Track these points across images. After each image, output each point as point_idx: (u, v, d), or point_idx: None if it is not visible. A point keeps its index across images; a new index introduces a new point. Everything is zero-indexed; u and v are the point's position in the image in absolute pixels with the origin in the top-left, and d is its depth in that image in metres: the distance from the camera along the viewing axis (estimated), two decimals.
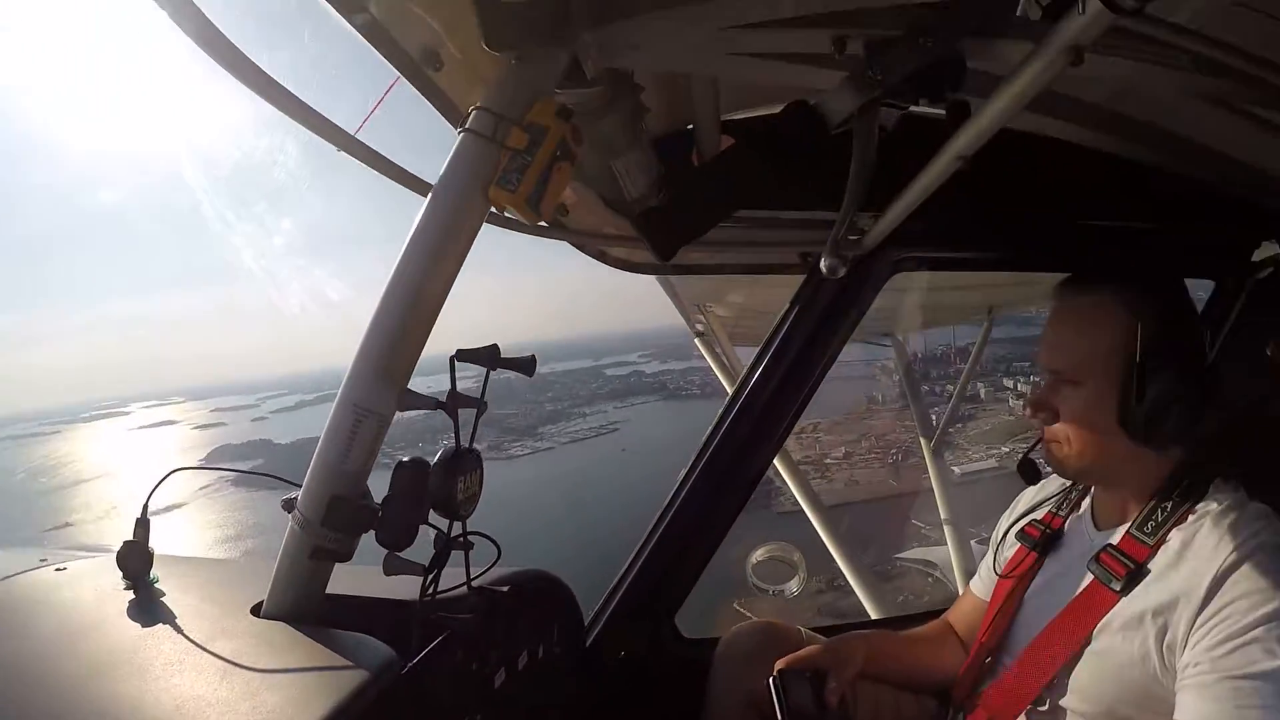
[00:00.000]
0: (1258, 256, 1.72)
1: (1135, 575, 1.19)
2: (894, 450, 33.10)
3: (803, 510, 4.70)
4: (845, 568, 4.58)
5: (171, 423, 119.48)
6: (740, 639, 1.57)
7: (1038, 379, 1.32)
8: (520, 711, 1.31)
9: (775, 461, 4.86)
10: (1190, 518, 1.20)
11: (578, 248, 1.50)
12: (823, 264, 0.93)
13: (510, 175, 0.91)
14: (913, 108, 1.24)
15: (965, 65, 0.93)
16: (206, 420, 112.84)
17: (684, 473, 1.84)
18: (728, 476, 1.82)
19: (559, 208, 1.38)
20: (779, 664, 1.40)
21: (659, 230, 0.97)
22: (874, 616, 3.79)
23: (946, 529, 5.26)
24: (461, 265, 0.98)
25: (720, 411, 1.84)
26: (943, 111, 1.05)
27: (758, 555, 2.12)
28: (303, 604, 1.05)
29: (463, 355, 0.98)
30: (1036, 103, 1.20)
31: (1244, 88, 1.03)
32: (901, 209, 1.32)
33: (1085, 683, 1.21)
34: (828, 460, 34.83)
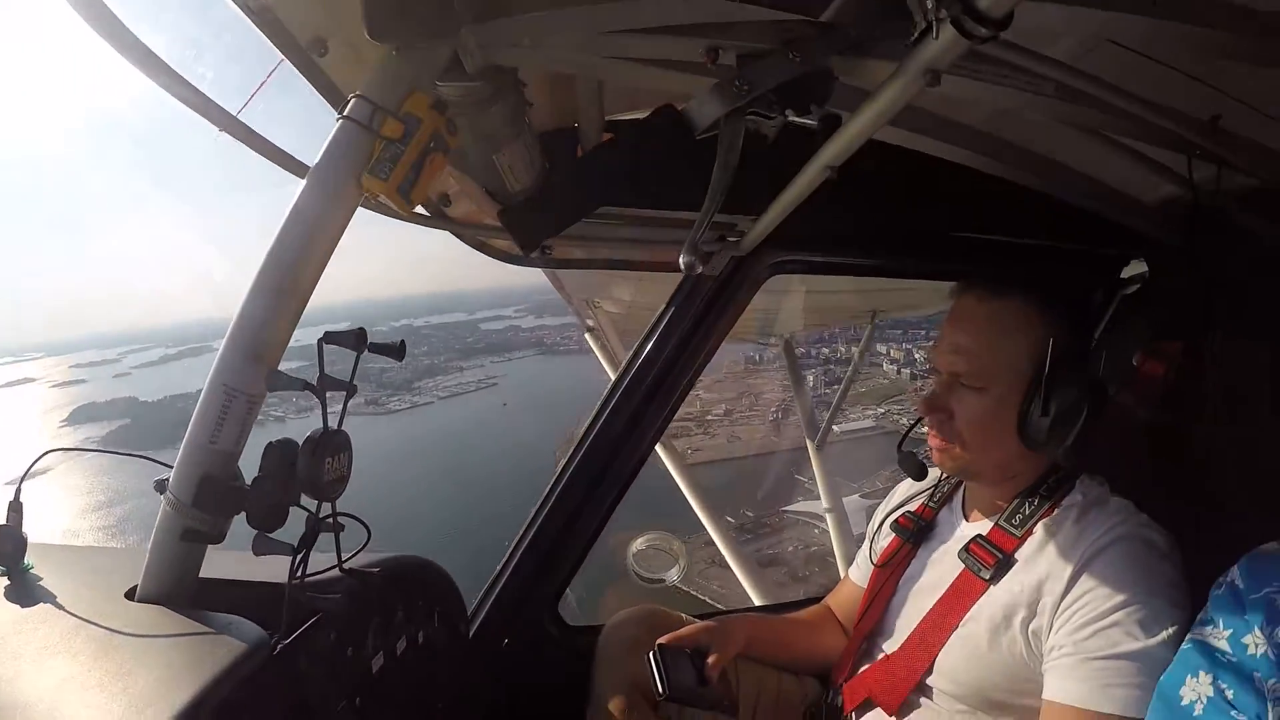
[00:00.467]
0: (1126, 274, 1.83)
1: (1003, 565, 1.26)
2: (774, 408, 33.78)
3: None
4: (729, 558, 4.72)
5: (30, 380, 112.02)
6: (623, 625, 1.60)
7: (925, 371, 1.37)
8: (400, 698, 1.31)
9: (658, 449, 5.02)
10: (1056, 511, 1.27)
11: (458, 237, 1.51)
12: (680, 260, 0.97)
13: (383, 164, 0.93)
14: (795, 119, 1.31)
15: (832, 81, 0.96)
16: (66, 377, 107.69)
17: (563, 464, 1.88)
18: (606, 468, 1.86)
19: (442, 197, 1.39)
20: (659, 641, 1.43)
21: (520, 223, 0.99)
22: (757, 604, 3.91)
23: (829, 518, 5.41)
24: (334, 249, 0.98)
25: (599, 403, 1.88)
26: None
27: (638, 545, 2.14)
28: (176, 586, 1.05)
29: (330, 338, 0.99)
30: (917, 122, 1.28)
31: (1104, 115, 1.10)
32: (776, 214, 1.37)
33: (957, 667, 1.27)
34: (709, 417, 35.49)
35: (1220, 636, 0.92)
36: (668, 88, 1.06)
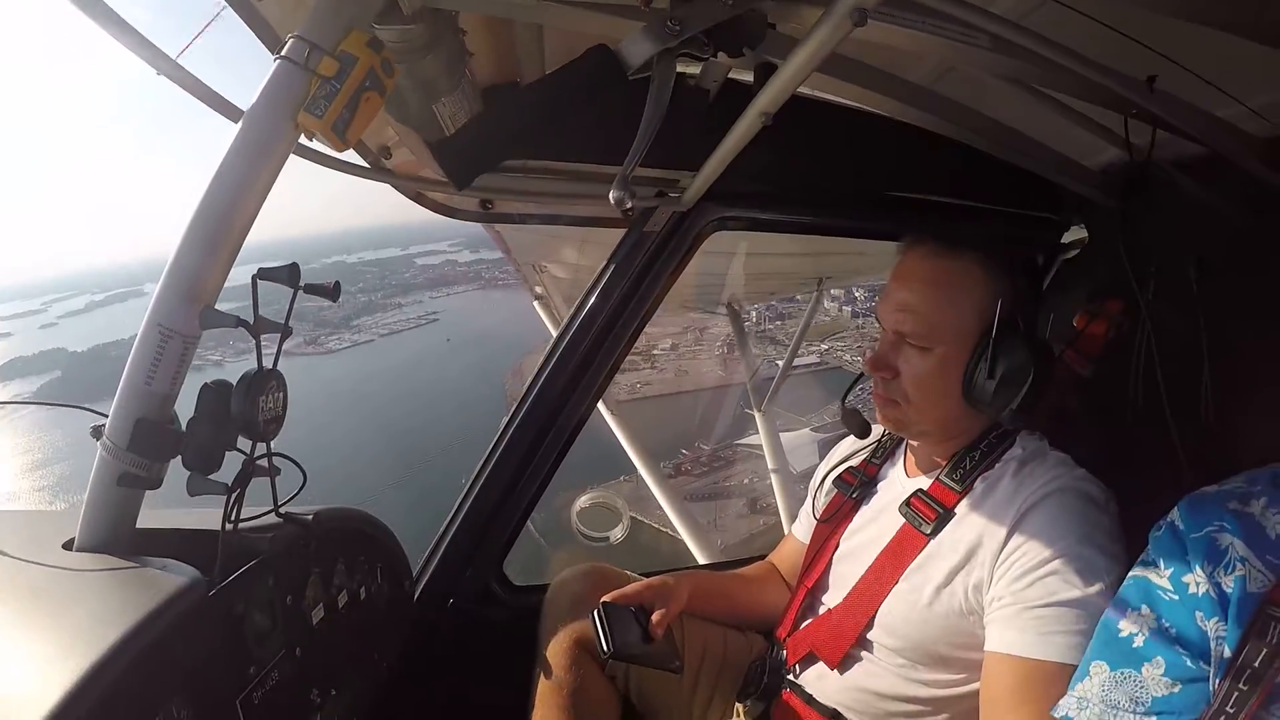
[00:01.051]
0: (1068, 238, 1.88)
1: (944, 519, 1.28)
2: (719, 343, 34.09)
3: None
4: (673, 516, 4.74)
5: None
6: (568, 583, 1.60)
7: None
8: (342, 653, 1.32)
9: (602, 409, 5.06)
10: (995, 466, 1.29)
11: (397, 189, 1.51)
12: (610, 195, 0.97)
13: (318, 102, 0.92)
14: (733, 75, 1.32)
15: (764, 24, 0.97)
16: None
17: (505, 421, 1.89)
18: (548, 425, 1.87)
19: (382, 149, 1.39)
20: (604, 599, 1.43)
21: (454, 157, 0.98)
22: (701, 563, 3.92)
23: (774, 479, 5.50)
24: (270, 190, 0.98)
25: (542, 360, 1.89)
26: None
27: (581, 503, 2.16)
28: (113, 534, 1.04)
29: (264, 274, 0.98)
30: (861, 77, 1.29)
31: (1043, 71, 1.11)
32: (715, 166, 1.38)
33: (897, 621, 1.29)
34: (655, 352, 35.79)
35: (1161, 575, 0.92)
36: (603, 34, 1.06)
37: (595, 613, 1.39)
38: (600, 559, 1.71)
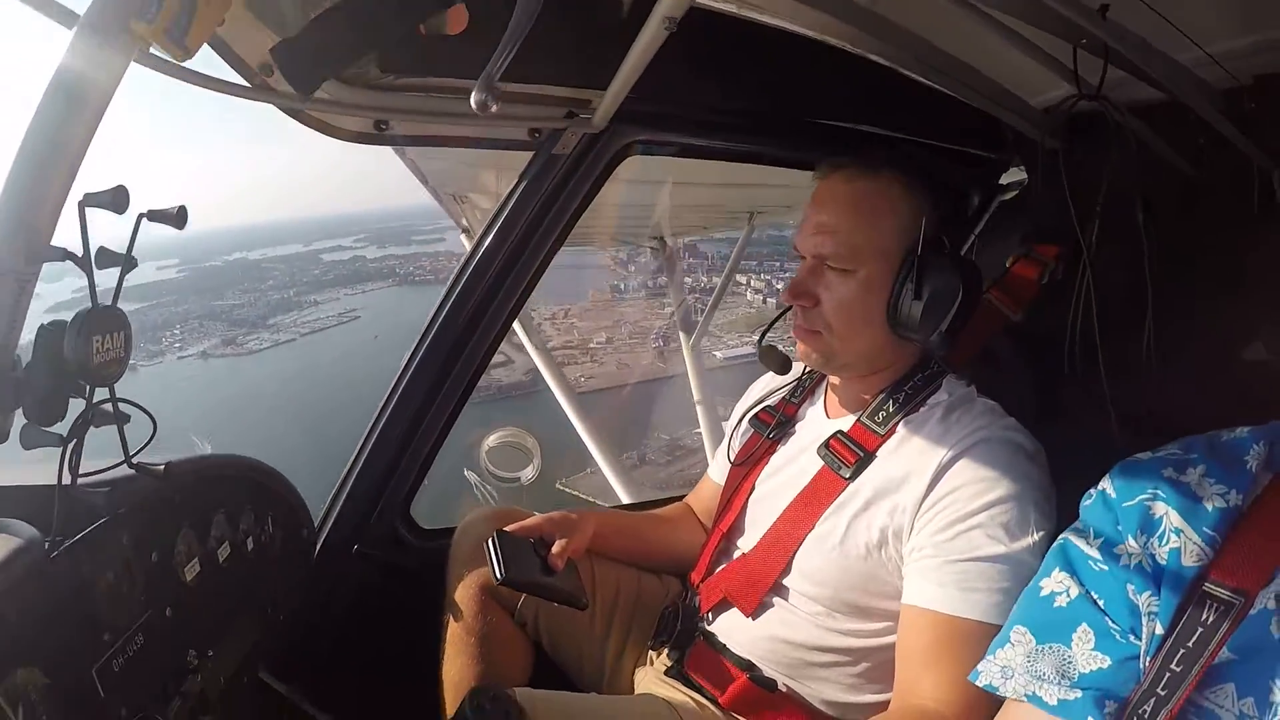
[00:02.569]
0: (1005, 179, 1.82)
1: (864, 462, 1.24)
2: (654, 335, 34.34)
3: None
4: (595, 451, 4.78)
5: None
6: (475, 524, 1.55)
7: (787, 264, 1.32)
8: (226, 608, 1.26)
9: (531, 352, 4.98)
10: (921, 409, 1.25)
11: (285, 111, 1.35)
12: (471, 98, 0.88)
13: (149, 6, 0.80)
14: None
15: None
16: None
17: (406, 358, 1.80)
18: (453, 360, 1.78)
19: (264, 67, 1.24)
20: (500, 529, 1.37)
21: (296, 59, 0.87)
22: (625, 502, 3.94)
23: (699, 409, 5.54)
24: (105, 110, 0.85)
25: (444, 290, 1.79)
26: None
27: (490, 441, 2.09)
28: None
29: (90, 199, 0.87)
30: None
31: None
32: (622, 82, 1.29)
33: (814, 567, 1.25)
34: (592, 345, 35.68)
35: (1091, 545, 0.87)
36: None
37: (488, 542, 1.33)
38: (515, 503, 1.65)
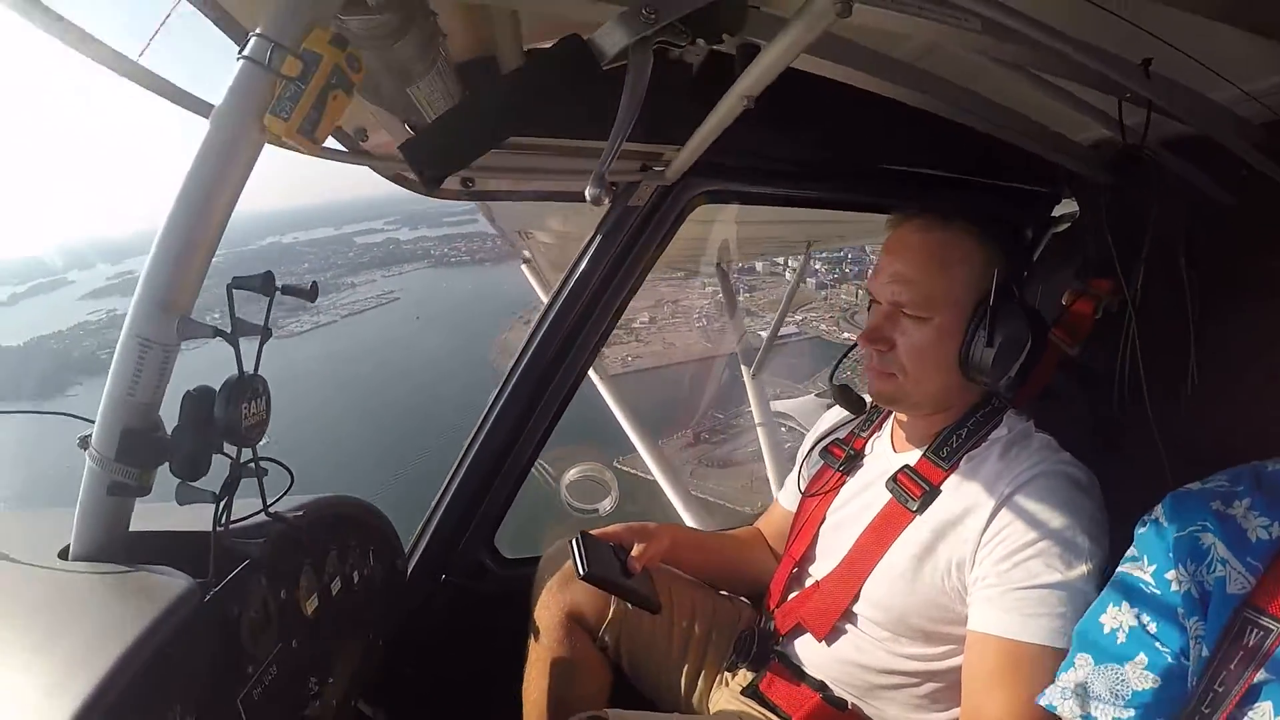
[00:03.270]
0: (1058, 212, 1.86)
1: (930, 495, 1.30)
2: (696, 314, 34.85)
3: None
4: (665, 487, 4.78)
5: None
6: (559, 555, 1.63)
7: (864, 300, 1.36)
8: (338, 637, 1.34)
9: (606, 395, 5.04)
10: (982, 445, 1.30)
11: (376, 171, 1.48)
12: (586, 193, 0.96)
13: (284, 103, 0.89)
14: (717, 47, 1.29)
15: (745, 9, 0.94)
16: None
17: (493, 395, 1.90)
18: (538, 397, 1.88)
19: (359, 131, 1.36)
20: (584, 531, 1.46)
21: (422, 156, 0.95)
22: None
23: (760, 433, 5.56)
24: (240, 192, 0.96)
25: (529, 333, 1.90)
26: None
27: (571, 475, 2.19)
28: (106, 542, 1.05)
29: (239, 283, 0.97)
30: (847, 56, 1.26)
31: (1034, 53, 1.09)
32: (697, 144, 1.37)
33: (882, 595, 1.31)
34: (635, 325, 35.85)
35: (1145, 570, 0.94)
36: (581, 18, 1.03)
37: (573, 540, 1.41)
38: None
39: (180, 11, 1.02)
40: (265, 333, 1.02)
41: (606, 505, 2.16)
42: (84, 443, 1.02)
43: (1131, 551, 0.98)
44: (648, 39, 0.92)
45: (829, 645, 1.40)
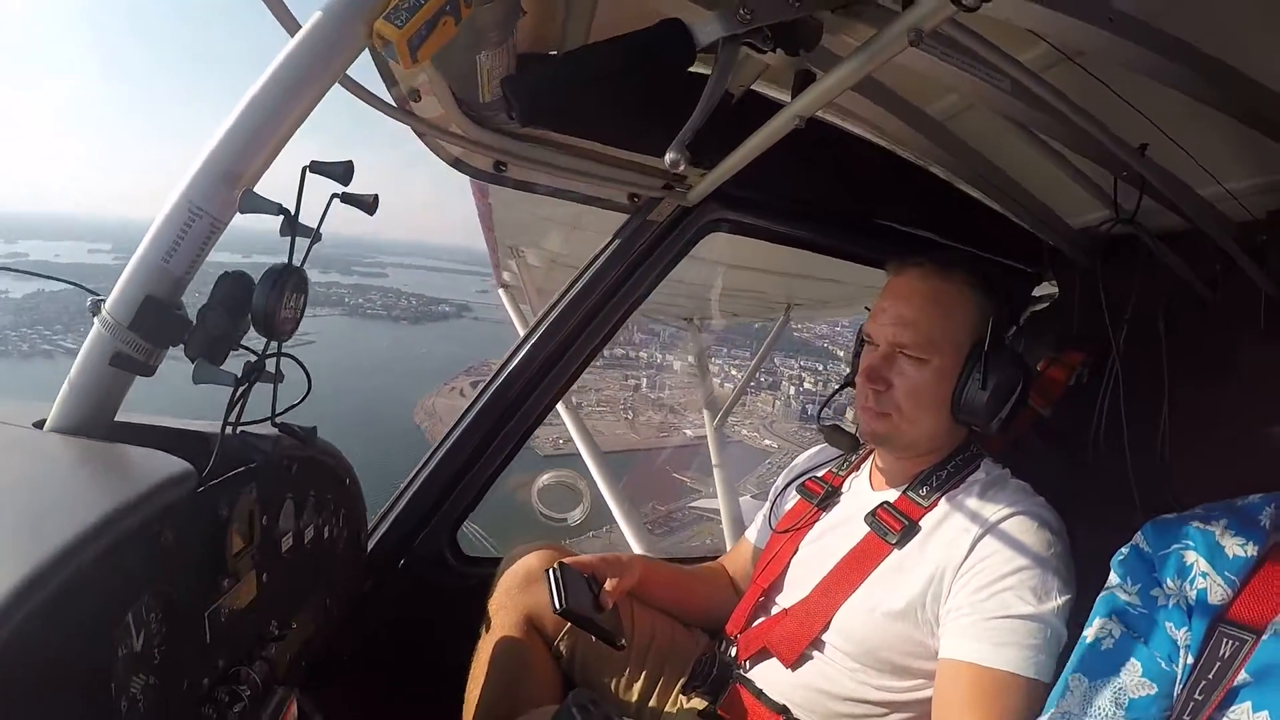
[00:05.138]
0: (1037, 292, 2.03)
1: (909, 531, 1.34)
2: (623, 407, 35.38)
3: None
4: (616, 511, 4.74)
5: None
6: (522, 558, 1.60)
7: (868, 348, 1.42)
8: (300, 587, 1.27)
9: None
10: (961, 486, 1.36)
11: (417, 134, 1.51)
12: (666, 157, 1.02)
13: (400, 12, 0.93)
14: (756, 87, 1.41)
15: (821, 31, 1.05)
16: None
17: (478, 391, 1.90)
18: (521, 402, 1.88)
19: (412, 91, 1.40)
20: (561, 560, 1.45)
21: (525, 89, 1.01)
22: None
23: (716, 473, 5.71)
24: (328, 88, 0.97)
25: (524, 334, 1.91)
26: (784, 97, 1.21)
27: (544, 480, 2.15)
28: (93, 417, 0.97)
29: (316, 167, 0.96)
30: (889, 103, 1.39)
31: (1049, 119, 1.22)
32: (731, 165, 1.46)
33: (854, 626, 1.33)
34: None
35: (1129, 592, 0.99)
36: (661, 11, 1.11)
37: (550, 571, 1.39)
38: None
39: None
40: (317, 235, 0.99)
41: (576, 514, 2.11)
42: (95, 307, 0.96)
43: (1111, 579, 1.03)
44: (738, 37, 1.02)
45: (794, 671, 1.39)
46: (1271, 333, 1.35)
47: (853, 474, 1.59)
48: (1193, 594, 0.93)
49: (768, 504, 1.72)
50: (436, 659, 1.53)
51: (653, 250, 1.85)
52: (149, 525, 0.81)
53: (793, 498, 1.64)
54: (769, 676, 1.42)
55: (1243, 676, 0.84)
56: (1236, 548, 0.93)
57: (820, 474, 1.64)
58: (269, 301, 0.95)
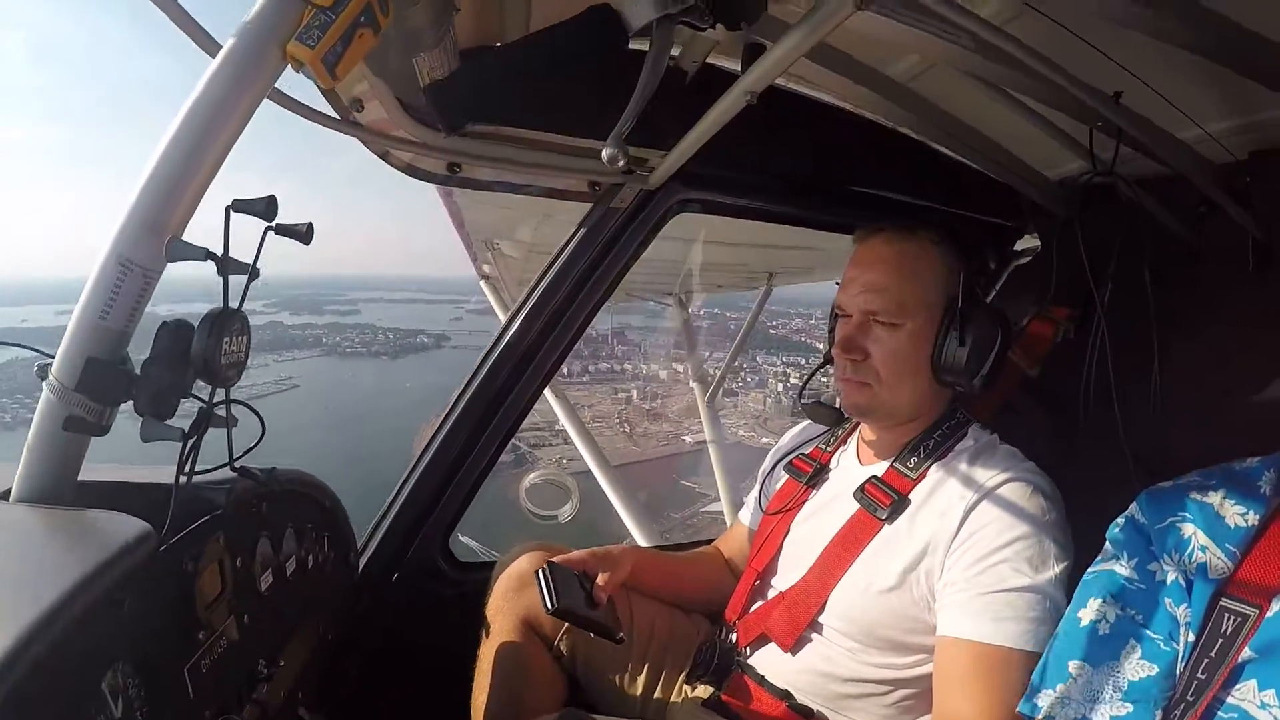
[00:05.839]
0: (1019, 246, 1.98)
1: (899, 505, 1.31)
2: (618, 420, 35.12)
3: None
4: (615, 501, 4.82)
5: None
6: (515, 561, 1.58)
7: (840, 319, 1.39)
8: (289, 623, 1.26)
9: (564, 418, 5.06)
10: (949, 455, 1.33)
11: (364, 144, 1.47)
12: (604, 152, 0.97)
13: (311, 31, 0.87)
14: (710, 60, 1.34)
15: (765, 2, 0.99)
16: None
17: (456, 395, 1.87)
18: (502, 398, 1.86)
19: (354, 101, 1.35)
20: (550, 559, 1.43)
21: (446, 101, 0.96)
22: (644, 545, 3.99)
23: (711, 449, 5.79)
24: (247, 121, 0.93)
25: (499, 331, 1.88)
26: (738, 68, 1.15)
27: (531, 479, 2.14)
28: (55, 483, 0.96)
29: (239, 205, 0.92)
30: (846, 69, 1.33)
31: (1016, 75, 1.17)
32: (689, 145, 1.41)
33: (850, 605, 1.31)
34: (557, 428, 35.45)
35: (1126, 567, 0.96)
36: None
37: (540, 572, 1.38)
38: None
39: None
40: (254, 271, 0.95)
41: (566, 511, 2.10)
42: (42, 372, 0.93)
43: (1106, 551, 1.01)
44: (672, 16, 0.96)
45: (794, 655, 1.38)
46: (1260, 275, 1.31)
47: (840, 448, 1.57)
48: (1192, 568, 0.90)
49: (757, 485, 1.69)
50: (441, 668, 1.52)
51: (619, 237, 1.80)
52: (110, 593, 0.79)
53: (781, 477, 1.61)
54: (770, 662, 1.42)
55: (1247, 653, 0.81)
56: (1237, 517, 0.90)
57: (808, 451, 1.61)
58: (207, 348, 0.92)
